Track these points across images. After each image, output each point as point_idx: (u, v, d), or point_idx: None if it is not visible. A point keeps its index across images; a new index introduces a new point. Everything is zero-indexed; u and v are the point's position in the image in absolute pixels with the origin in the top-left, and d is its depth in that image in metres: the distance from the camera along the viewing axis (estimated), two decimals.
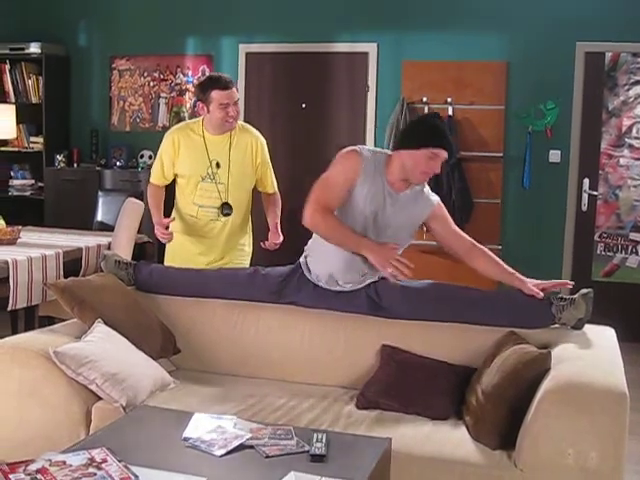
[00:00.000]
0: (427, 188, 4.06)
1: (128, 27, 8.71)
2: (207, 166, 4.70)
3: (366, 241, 3.87)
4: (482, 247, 4.04)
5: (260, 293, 4.15)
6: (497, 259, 4.02)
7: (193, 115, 4.75)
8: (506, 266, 3.98)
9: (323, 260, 4.02)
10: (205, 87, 4.66)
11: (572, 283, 3.95)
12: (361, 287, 4.00)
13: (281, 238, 4.84)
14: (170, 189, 4.94)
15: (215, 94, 4.58)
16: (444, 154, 3.83)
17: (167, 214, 4.88)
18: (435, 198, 4.06)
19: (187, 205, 4.81)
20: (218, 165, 4.71)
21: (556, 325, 3.84)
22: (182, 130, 4.82)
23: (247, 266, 4.92)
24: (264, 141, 4.90)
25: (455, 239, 4.08)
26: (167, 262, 4.87)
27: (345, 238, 3.89)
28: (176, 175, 4.83)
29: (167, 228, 4.74)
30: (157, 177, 4.88)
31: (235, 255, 4.88)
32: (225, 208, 4.74)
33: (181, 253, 4.85)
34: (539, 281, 3.91)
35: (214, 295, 4.25)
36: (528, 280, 3.90)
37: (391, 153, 3.97)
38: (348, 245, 3.90)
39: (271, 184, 4.98)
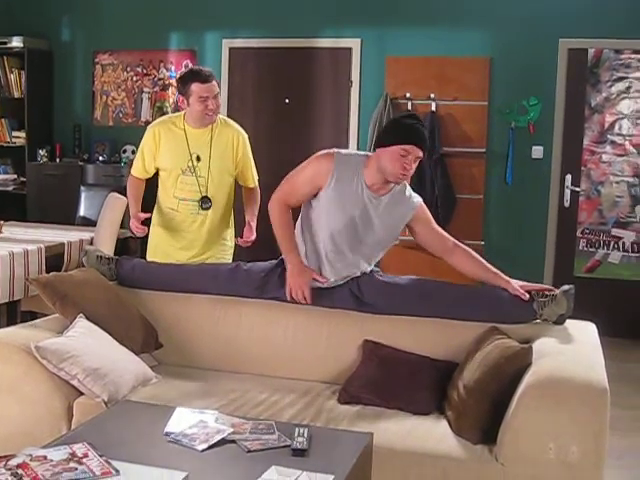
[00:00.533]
0: (409, 189, 4.03)
1: (111, 22, 8.67)
2: (187, 159, 4.70)
3: (292, 258, 3.97)
4: (465, 247, 4.03)
5: (242, 288, 4.15)
6: (480, 259, 4.01)
7: (176, 110, 4.76)
8: (490, 266, 3.97)
9: (305, 258, 4.04)
10: (185, 80, 4.67)
11: (555, 290, 3.92)
12: (343, 283, 4.00)
13: (254, 236, 4.81)
14: (153, 185, 4.93)
15: (195, 87, 4.59)
16: (417, 151, 3.75)
17: (149, 209, 4.87)
18: (417, 199, 4.04)
19: (168, 198, 4.81)
20: (199, 158, 4.71)
21: (538, 320, 3.85)
22: (164, 123, 4.82)
23: (229, 260, 4.92)
24: (246, 136, 4.89)
25: (437, 239, 4.05)
26: (149, 257, 4.87)
27: (281, 240, 4.03)
28: (158, 168, 4.83)
29: (143, 223, 4.74)
30: (138, 170, 4.89)
31: (217, 249, 4.88)
32: (204, 202, 4.74)
33: (163, 247, 4.85)
34: (523, 282, 3.91)
35: (196, 290, 4.24)
36: (513, 281, 3.90)
37: (370, 155, 3.96)
38: (281, 247, 4.03)
39: (252, 179, 4.97)
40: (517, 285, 3.86)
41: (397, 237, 4.09)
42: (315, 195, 3.94)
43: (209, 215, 4.78)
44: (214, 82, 4.66)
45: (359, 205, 3.88)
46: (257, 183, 5.02)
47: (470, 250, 4.03)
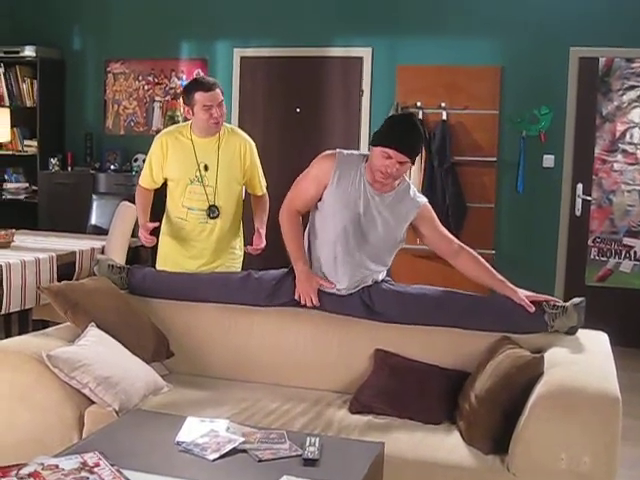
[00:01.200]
0: (413, 188, 4.04)
1: (123, 31, 8.71)
2: (195, 169, 4.70)
3: (300, 266, 4.01)
4: (471, 251, 4.00)
5: (253, 297, 4.15)
6: (486, 264, 3.98)
7: (187, 119, 4.80)
8: (496, 273, 3.94)
9: (316, 261, 4.05)
10: (189, 90, 4.69)
11: (560, 302, 3.92)
12: (355, 291, 4.00)
13: (264, 243, 4.81)
14: (162, 194, 4.94)
15: (198, 96, 4.60)
16: (400, 156, 3.74)
17: (158, 219, 4.88)
18: (422, 199, 4.03)
19: (176, 208, 4.81)
20: (206, 168, 4.71)
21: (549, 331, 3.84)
22: (171, 134, 4.83)
23: (239, 269, 4.93)
24: (253, 144, 4.90)
25: (442, 241, 4.04)
26: (159, 266, 4.87)
27: (290, 248, 4.07)
28: (166, 179, 4.84)
29: (152, 233, 4.75)
30: (145, 180, 4.90)
31: (226, 258, 4.88)
32: (212, 211, 4.74)
33: (172, 256, 4.85)
34: (530, 293, 3.89)
35: (207, 299, 4.24)
36: (520, 290, 3.88)
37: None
38: (290, 256, 4.07)
39: (260, 186, 4.97)
40: (523, 295, 3.85)
41: (402, 238, 4.05)
42: (320, 199, 3.98)
43: (218, 224, 4.78)
44: (218, 90, 4.66)
45: (362, 202, 3.90)
46: (265, 190, 5.03)
47: (476, 255, 4.01)
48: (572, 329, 3.81)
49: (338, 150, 4.00)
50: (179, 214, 4.81)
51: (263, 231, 4.86)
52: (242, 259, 5.04)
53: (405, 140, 3.77)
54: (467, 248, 4.01)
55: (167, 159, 4.77)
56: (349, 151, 4.04)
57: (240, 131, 4.94)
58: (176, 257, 4.84)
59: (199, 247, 4.81)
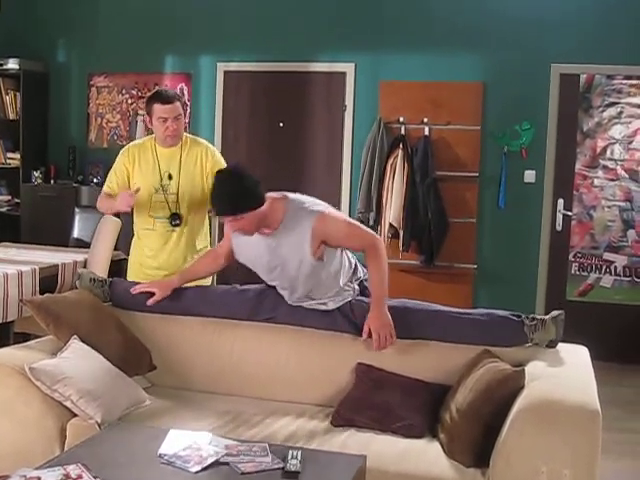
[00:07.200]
0: (307, 205, 3.94)
1: (107, 45, 8.71)
2: (159, 178, 4.73)
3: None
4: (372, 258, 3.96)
5: (236, 310, 4.17)
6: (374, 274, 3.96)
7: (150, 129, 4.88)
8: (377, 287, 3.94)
9: None
10: (149, 101, 4.75)
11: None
12: (337, 306, 4.01)
13: None
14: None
15: (156, 107, 4.65)
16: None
17: (129, 233, 4.93)
18: (317, 208, 3.92)
19: (144, 220, 4.82)
20: (170, 177, 4.73)
21: (529, 344, 3.86)
22: (138, 145, 4.90)
23: None
24: (214, 149, 4.94)
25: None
26: (129, 277, 4.85)
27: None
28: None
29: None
30: (112, 188, 4.85)
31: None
32: (174, 218, 4.76)
33: (142, 269, 4.84)
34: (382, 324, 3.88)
35: (190, 312, 4.25)
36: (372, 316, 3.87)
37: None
38: None
39: None
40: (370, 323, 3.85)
41: (314, 255, 3.88)
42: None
43: (184, 231, 4.80)
44: (176, 104, 4.68)
45: (261, 251, 3.96)
46: None
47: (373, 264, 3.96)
48: (552, 342, 3.83)
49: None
50: (147, 225, 4.82)
51: None
52: None
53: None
54: (371, 255, 3.95)
55: (134, 169, 4.81)
56: None
57: (201, 140, 4.99)
58: (145, 269, 4.84)
59: (166, 258, 4.81)
